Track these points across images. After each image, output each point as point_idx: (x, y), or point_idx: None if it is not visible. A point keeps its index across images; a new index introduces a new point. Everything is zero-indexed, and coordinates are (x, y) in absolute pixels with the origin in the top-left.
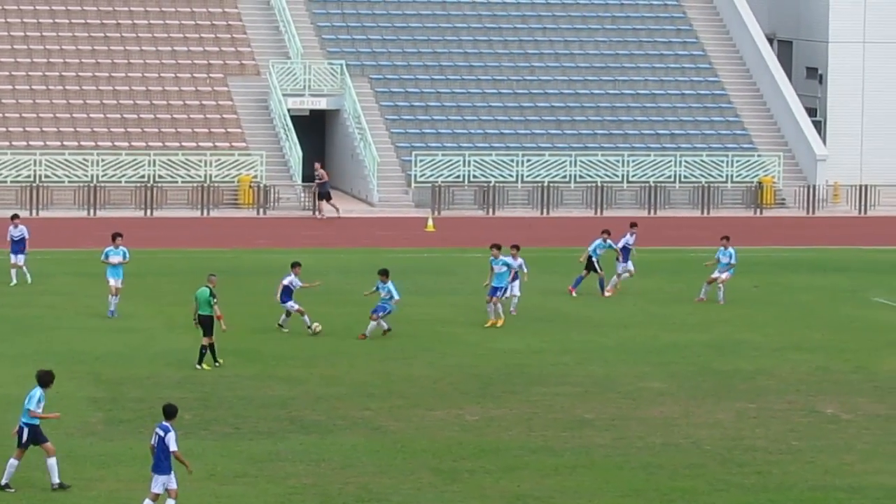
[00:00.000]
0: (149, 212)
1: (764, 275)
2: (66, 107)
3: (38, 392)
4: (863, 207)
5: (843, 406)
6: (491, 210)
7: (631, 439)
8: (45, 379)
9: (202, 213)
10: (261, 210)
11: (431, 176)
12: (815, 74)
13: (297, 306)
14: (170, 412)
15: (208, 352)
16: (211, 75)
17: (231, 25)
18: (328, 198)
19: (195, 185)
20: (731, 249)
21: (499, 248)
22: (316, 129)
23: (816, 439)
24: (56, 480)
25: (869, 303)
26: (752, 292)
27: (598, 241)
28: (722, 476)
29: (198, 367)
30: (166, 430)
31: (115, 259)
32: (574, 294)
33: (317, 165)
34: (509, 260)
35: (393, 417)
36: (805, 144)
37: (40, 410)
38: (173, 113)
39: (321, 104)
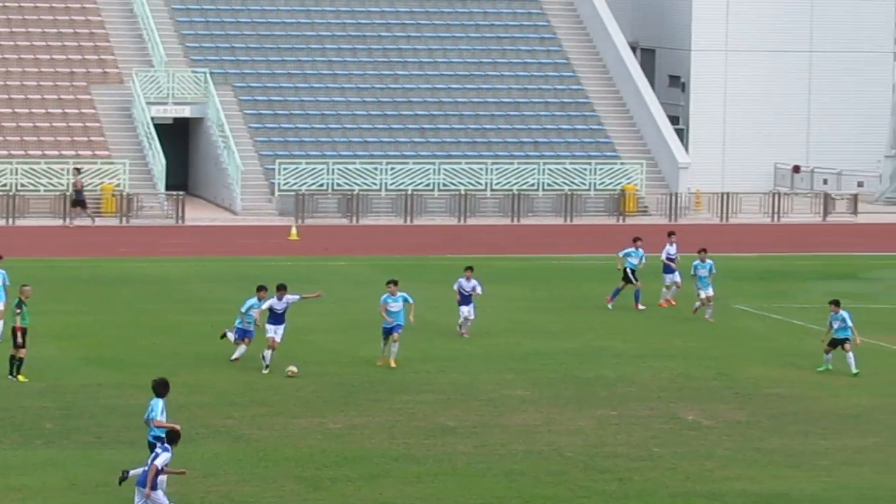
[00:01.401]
0: (11, 220)
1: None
2: None
3: (159, 403)
4: (724, 215)
5: (703, 413)
6: (355, 218)
7: (493, 447)
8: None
9: (65, 222)
10: (124, 219)
11: (295, 184)
12: (678, 83)
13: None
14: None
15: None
16: (74, 83)
17: (94, 34)
18: (84, 206)
19: (58, 193)
20: (709, 261)
21: (395, 283)
22: (180, 138)
23: (677, 446)
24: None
25: (730, 310)
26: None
27: (630, 250)
28: (583, 483)
29: (10, 377)
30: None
31: None
32: (610, 306)
33: (74, 171)
34: (463, 282)
35: (255, 426)
36: (667, 152)
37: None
38: (36, 121)
39: (185, 112)
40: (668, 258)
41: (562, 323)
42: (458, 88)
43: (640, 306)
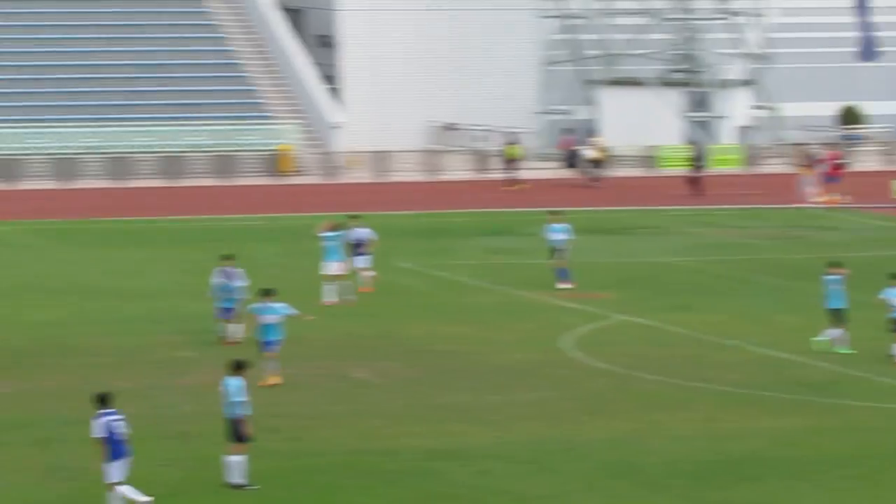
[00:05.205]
0: None
1: (287, 242)
2: None
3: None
4: (379, 173)
5: (373, 371)
6: (10, 182)
7: (164, 408)
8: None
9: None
10: None
11: None
12: (328, 42)
13: None
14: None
15: None
16: None
17: None
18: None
19: None
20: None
21: (268, 293)
22: None
23: (348, 404)
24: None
25: (393, 268)
26: (270, 259)
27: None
28: (257, 443)
29: None
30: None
31: None
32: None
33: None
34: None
35: None
36: (320, 112)
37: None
38: None
39: None
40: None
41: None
42: (107, 51)
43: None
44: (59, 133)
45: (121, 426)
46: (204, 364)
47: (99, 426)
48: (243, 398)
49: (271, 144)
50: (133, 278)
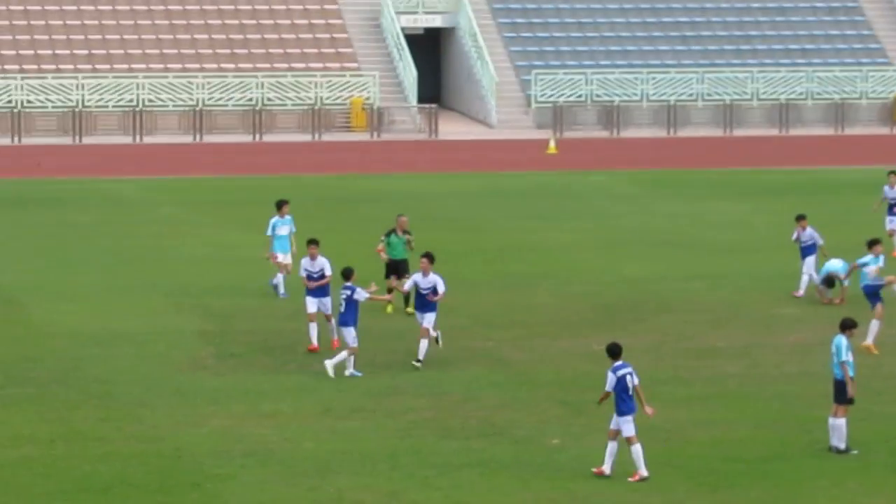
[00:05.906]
0: (257, 136)
1: None
2: (169, 27)
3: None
4: None
5: None
6: (615, 130)
7: (765, 367)
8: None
9: (313, 138)
10: (374, 133)
11: (552, 96)
12: None
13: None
14: (615, 351)
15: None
16: None
17: None
18: None
19: (305, 108)
20: None
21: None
22: (431, 49)
23: None
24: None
25: None
26: (870, 214)
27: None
28: (860, 404)
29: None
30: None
31: (283, 231)
32: None
33: None
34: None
35: (516, 348)
36: None
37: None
38: (281, 33)
39: (436, 22)
40: None
41: (834, 239)
42: None
43: None
44: (667, 79)
45: (630, 380)
46: (807, 322)
47: (611, 379)
48: (849, 358)
49: (888, 92)
50: (733, 231)
